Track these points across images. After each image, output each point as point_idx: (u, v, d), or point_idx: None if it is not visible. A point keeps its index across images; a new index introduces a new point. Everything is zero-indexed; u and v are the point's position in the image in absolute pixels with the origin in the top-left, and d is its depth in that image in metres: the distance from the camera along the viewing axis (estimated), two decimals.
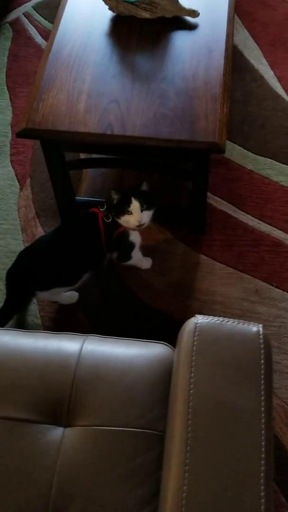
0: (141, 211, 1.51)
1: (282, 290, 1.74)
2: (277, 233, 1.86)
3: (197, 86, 1.53)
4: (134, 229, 1.58)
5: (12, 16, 2.56)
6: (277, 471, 1.30)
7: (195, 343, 0.93)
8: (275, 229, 1.87)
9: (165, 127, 1.45)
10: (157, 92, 1.53)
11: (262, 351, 0.91)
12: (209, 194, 1.95)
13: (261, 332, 0.94)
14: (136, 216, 1.50)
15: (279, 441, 1.48)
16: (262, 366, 0.90)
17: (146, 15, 1.68)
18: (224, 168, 2.02)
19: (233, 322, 0.96)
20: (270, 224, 1.88)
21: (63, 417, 1.04)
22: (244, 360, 0.91)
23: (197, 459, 0.82)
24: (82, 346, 1.13)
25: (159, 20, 1.69)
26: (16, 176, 2.05)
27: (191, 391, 0.88)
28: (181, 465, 0.82)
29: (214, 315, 1.60)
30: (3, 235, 1.91)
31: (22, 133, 1.48)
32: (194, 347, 0.93)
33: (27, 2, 2.61)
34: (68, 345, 1.15)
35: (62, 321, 1.73)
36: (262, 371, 0.90)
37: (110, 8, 1.70)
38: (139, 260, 1.74)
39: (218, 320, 0.97)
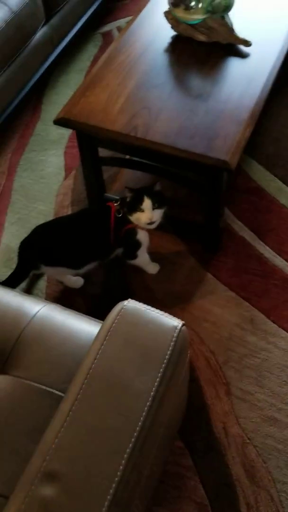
0: (153, 209, 1.59)
1: (277, 325, 1.72)
2: None
3: (227, 108, 1.59)
4: (144, 228, 1.66)
5: (106, 28, 2.80)
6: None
7: (115, 322, 0.99)
8: None
9: (185, 139, 1.53)
10: (188, 106, 1.61)
11: (172, 343, 0.95)
12: (233, 217, 1.99)
13: (178, 328, 0.98)
14: (147, 214, 1.58)
15: (228, 470, 1.46)
16: (167, 357, 0.94)
17: (202, 38, 1.78)
18: (257, 197, 2.04)
19: (158, 313, 1.01)
20: (286, 260, 1.86)
21: (0, 365, 1.14)
22: (152, 347, 0.95)
23: (74, 419, 0.88)
24: (40, 309, 1.23)
25: (213, 44, 1.78)
26: (65, 166, 2.23)
27: (94, 363, 0.94)
28: (60, 423, 0.88)
29: (202, 332, 1.65)
30: (37, 215, 2.07)
31: (58, 121, 1.63)
32: (113, 325, 0.99)
33: (122, 18, 2.83)
34: (29, 305, 1.25)
35: (62, 302, 1.83)
36: (165, 361, 0.93)
37: (172, 27, 1.82)
38: (145, 262, 1.81)
39: (145, 308, 1.02)
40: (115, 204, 1.64)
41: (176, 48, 1.80)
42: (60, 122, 1.62)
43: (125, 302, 1.02)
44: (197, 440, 1.52)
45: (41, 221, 2.02)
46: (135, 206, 1.59)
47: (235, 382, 1.61)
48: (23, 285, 1.85)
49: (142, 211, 1.58)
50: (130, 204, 1.61)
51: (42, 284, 1.88)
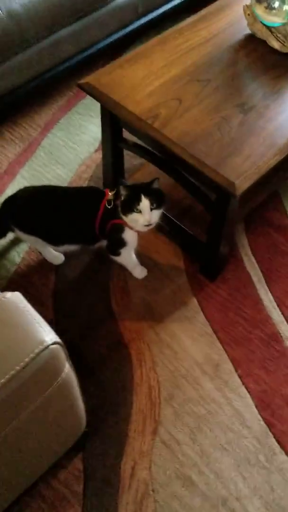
0: (151, 210, 1.41)
1: (242, 381, 1.50)
2: (284, 329, 1.60)
3: (266, 127, 1.38)
4: (137, 230, 1.49)
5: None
6: None
7: None
8: (285, 323, 1.61)
9: (202, 145, 1.33)
10: (224, 112, 1.41)
11: (27, 359, 0.79)
12: (248, 250, 1.77)
13: (44, 345, 0.82)
14: (145, 216, 1.41)
15: None
16: (12, 373, 0.78)
17: (276, 45, 1.56)
18: (282, 237, 1.80)
19: (36, 320, 0.85)
20: (284, 316, 1.63)
21: None
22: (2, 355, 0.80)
23: None
24: None
25: (286, 55, 1.56)
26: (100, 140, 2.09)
27: None
28: None
29: (159, 358, 1.47)
30: (52, 178, 1.96)
31: (82, 85, 1.49)
32: None
33: None
34: None
35: (32, 272, 1.72)
36: (6, 378, 0.77)
37: (247, 24, 1.61)
38: (129, 263, 1.65)
39: (26, 308, 0.87)
40: (110, 194, 1.48)
41: (242, 47, 1.59)
42: (84, 86, 1.48)
43: (8, 294, 0.88)
44: (99, 469, 1.36)
45: (53, 184, 1.92)
46: (131, 206, 1.41)
47: (168, 424, 1.43)
48: (4, 242, 1.76)
49: (139, 212, 1.41)
50: (125, 204, 1.42)
51: (23, 247, 1.77)
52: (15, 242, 1.78)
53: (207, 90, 1.47)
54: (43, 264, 1.74)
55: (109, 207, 1.46)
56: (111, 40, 2.23)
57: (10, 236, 1.71)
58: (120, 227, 1.49)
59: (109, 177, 1.80)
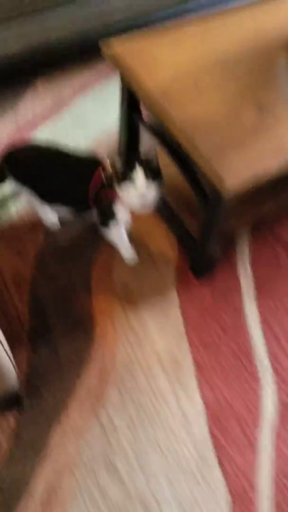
0: (146, 182, 1.34)
1: (197, 386, 1.44)
2: (258, 346, 1.52)
3: (276, 133, 1.29)
4: (131, 208, 1.44)
5: None
6: None
7: None
8: (262, 341, 1.53)
9: (205, 134, 1.27)
10: (240, 107, 1.34)
11: None
12: (247, 258, 1.70)
13: None
14: (139, 188, 1.34)
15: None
16: None
17: None
18: (286, 254, 1.71)
19: None
20: (263, 333, 1.54)
21: None
22: None
23: None
24: None
25: None
26: None
27: None
28: None
29: (121, 340, 1.47)
30: (70, 141, 1.92)
31: (105, 50, 1.45)
32: None
33: None
34: None
35: (24, 228, 1.71)
36: None
37: None
38: (119, 241, 1.61)
39: None
40: (108, 162, 1.43)
41: (285, 50, 1.50)
42: (108, 52, 1.44)
43: None
44: (29, 431, 1.34)
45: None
46: (125, 178, 1.35)
47: (110, 407, 1.39)
48: (5, 193, 1.75)
49: (133, 183, 1.35)
50: (119, 175, 1.37)
51: (23, 204, 1.76)
52: (16, 194, 1.77)
53: (230, 82, 1.39)
54: (37, 225, 1.72)
55: (103, 176, 1.42)
56: (166, 13, 2.16)
57: (12, 189, 1.70)
58: (111, 199, 1.44)
59: (122, 152, 1.75)
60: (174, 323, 1.55)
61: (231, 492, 1.28)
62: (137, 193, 1.36)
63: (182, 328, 1.54)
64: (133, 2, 2.04)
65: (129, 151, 1.74)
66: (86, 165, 1.48)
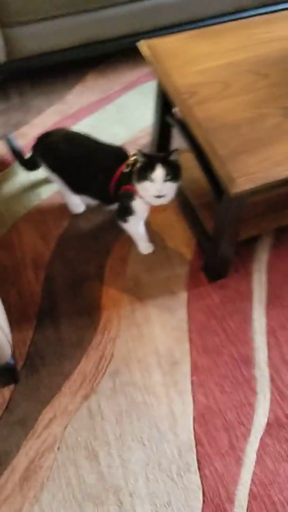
0: (164, 181, 1.36)
1: (191, 388, 1.42)
2: (260, 357, 1.48)
3: None
4: (150, 202, 1.46)
5: None
6: None
7: None
8: (265, 352, 1.49)
9: (225, 134, 1.26)
10: (265, 110, 1.31)
11: None
12: (264, 265, 1.65)
13: None
14: (157, 185, 1.36)
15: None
16: None
17: None
18: None
19: None
20: (267, 344, 1.50)
21: None
22: None
23: None
24: None
25: None
26: None
27: None
28: None
29: (124, 333, 1.50)
30: (111, 135, 1.97)
31: (143, 48, 1.47)
32: None
33: None
34: None
35: (50, 212, 1.77)
36: None
37: None
38: (136, 233, 1.62)
39: None
40: (132, 158, 1.46)
41: None
42: (141, 46, 1.46)
43: None
44: (21, 407, 1.39)
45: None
46: (145, 174, 1.37)
47: (101, 396, 1.41)
48: (38, 177, 1.82)
49: (152, 181, 1.38)
50: (139, 171, 1.39)
51: (53, 188, 1.82)
52: (48, 180, 1.83)
53: (259, 84, 1.37)
54: (63, 209, 1.77)
55: (126, 171, 1.45)
56: (221, 20, 2.15)
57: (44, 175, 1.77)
58: (131, 194, 1.47)
59: (152, 149, 1.77)
60: (178, 322, 1.54)
61: (206, 500, 1.26)
62: (154, 190, 1.37)
63: (185, 329, 1.53)
64: (188, 7, 2.04)
65: (160, 149, 1.75)
66: (112, 158, 1.51)
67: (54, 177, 1.63)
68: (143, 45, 1.47)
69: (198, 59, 1.42)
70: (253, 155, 1.22)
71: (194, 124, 1.28)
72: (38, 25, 1.88)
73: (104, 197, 1.57)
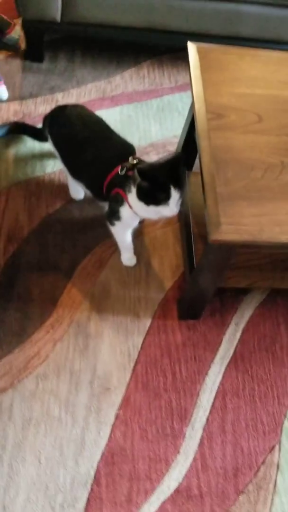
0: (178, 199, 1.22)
1: (112, 421, 1.30)
2: (199, 416, 1.34)
3: None
4: (138, 215, 1.33)
5: None
6: None
7: None
8: (206, 413, 1.35)
9: (232, 172, 1.11)
10: None
11: None
12: (241, 323, 1.51)
13: None
14: (172, 209, 1.22)
15: None
16: None
17: None
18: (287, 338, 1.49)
19: None
20: (212, 405, 1.36)
21: None
22: None
23: None
24: None
25: None
26: None
27: None
28: None
29: (69, 339, 1.41)
30: (142, 130, 1.84)
31: (188, 49, 1.33)
32: None
33: None
34: None
35: (47, 189, 1.67)
36: None
37: None
38: (121, 241, 1.50)
39: None
40: (132, 161, 1.31)
41: None
42: (189, 48, 1.32)
43: None
44: None
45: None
46: (158, 198, 1.21)
47: (18, 397, 1.30)
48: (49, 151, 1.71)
49: (167, 205, 1.22)
50: (148, 194, 1.22)
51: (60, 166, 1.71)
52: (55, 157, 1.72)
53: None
54: (62, 190, 1.66)
55: (121, 173, 1.31)
56: None
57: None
58: (121, 199, 1.34)
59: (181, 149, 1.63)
60: (129, 349, 1.42)
61: None
62: (169, 212, 1.24)
63: (134, 358, 1.41)
64: (267, 24, 1.87)
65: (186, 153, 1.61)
66: (115, 153, 1.38)
67: (56, 153, 1.51)
68: (192, 47, 1.33)
69: (243, 81, 1.27)
70: (254, 205, 1.07)
71: (204, 149, 1.14)
72: None
73: (97, 192, 1.44)
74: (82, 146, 1.40)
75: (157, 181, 1.21)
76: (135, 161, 1.30)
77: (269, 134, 1.19)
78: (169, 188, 1.19)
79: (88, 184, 1.46)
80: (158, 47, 2.02)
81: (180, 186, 1.20)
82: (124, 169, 1.30)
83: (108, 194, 1.38)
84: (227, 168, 1.12)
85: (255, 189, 1.10)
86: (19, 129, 1.72)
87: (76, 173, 1.48)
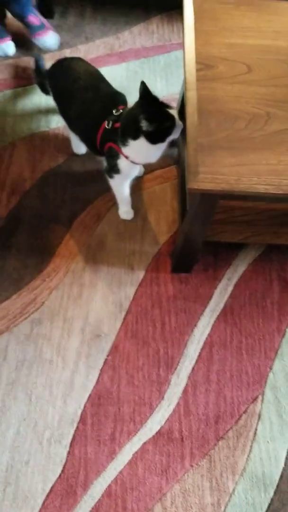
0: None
1: (101, 366, 1.36)
2: (185, 365, 1.38)
3: None
4: (135, 162, 1.35)
5: None
6: None
7: None
8: (192, 362, 1.39)
9: (215, 121, 1.11)
10: (274, 109, 1.15)
11: None
12: (233, 277, 1.52)
13: None
14: (179, 124, 1.23)
15: None
16: None
17: None
18: (280, 293, 1.50)
19: None
20: (198, 355, 1.40)
21: None
22: None
23: None
24: None
25: None
26: None
27: None
28: None
29: (64, 288, 1.46)
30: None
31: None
32: None
33: None
34: None
35: (50, 143, 1.70)
36: None
37: None
38: (119, 193, 1.52)
39: None
40: (116, 113, 1.31)
41: None
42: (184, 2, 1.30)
43: None
44: None
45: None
46: (166, 129, 1.23)
47: (13, 337, 1.38)
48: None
49: (175, 127, 1.24)
50: (157, 132, 1.23)
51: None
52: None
53: (285, 80, 1.19)
54: (65, 145, 1.69)
55: (108, 127, 1.33)
56: None
57: None
58: (116, 153, 1.36)
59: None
60: (121, 299, 1.46)
61: (63, 475, 1.23)
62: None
63: (125, 308, 1.45)
64: None
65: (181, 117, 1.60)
66: (103, 106, 1.37)
67: (56, 106, 1.53)
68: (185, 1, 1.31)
69: (235, 31, 1.26)
70: (234, 155, 1.07)
71: (190, 100, 1.14)
72: None
73: (92, 146, 1.46)
74: (75, 98, 1.41)
75: (163, 115, 1.22)
76: (118, 113, 1.31)
77: (257, 85, 1.18)
78: (170, 114, 1.22)
79: (82, 138, 1.48)
80: (168, 2, 1.98)
81: (168, 105, 1.23)
82: (110, 123, 1.31)
83: (103, 149, 1.40)
84: (210, 118, 1.12)
85: (237, 140, 1.10)
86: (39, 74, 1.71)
87: (71, 126, 1.50)
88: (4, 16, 1.94)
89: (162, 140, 1.25)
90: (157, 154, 1.32)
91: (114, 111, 1.32)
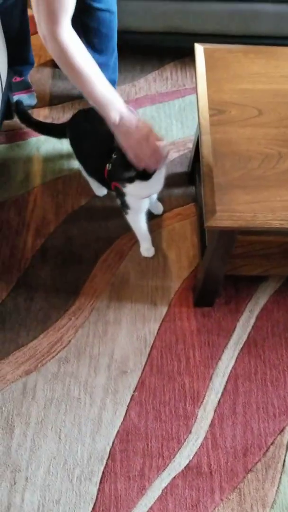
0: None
1: (128, 402, 1.39)
2: (211, 398, 1.40)
3: None
4: (140, 197, 1.42)
5: None
6: None
7: None
8: (218, 395, 1.41)
9: (230, 163, 1.17)
10: (286, 149, 1.20)
11: None
12: (255, 310, 1.55)
13: None
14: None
15: None
16: None
17: None
18: None
19: None
20: (224, 388, 1.42)
21: None
22: None
23: None
24: None
25: None
26: None
27: None
28: None
29: (89, 326, 1.51)
30: (163, 130, 1.92)
31: (196, 46, 1.40)
32: None
33: None
34: None
35: (72, 185, 1.78)
36: None
37: None
38: (136, 229, 1.57)
39: None
40: (114, 155, 1.35)
41: None
42: (195, 49, 1.39)
43: None
44: None
45: None
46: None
47: (41, 377, 1.42)
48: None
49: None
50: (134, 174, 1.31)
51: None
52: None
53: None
54: (85, 188, 1.77)
55: (108, 169, 1.39)
56: None
57: None
58: (121, 192, 1.42)
59: (188, 160, 1.70)
60: (146, 334, 1.50)
61: None
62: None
63: (150, 343, 1.49)
64: (284, 24, 1.91)
65: (194, 161, 1.67)
66: (107, 149, 1.43)
67: (72, 151, 1.61)
68: (198, 48, 1.40)
69: (245, 77, 1.33)
70: (249, 193, 1.13)
71: (204, 143, 1.21)
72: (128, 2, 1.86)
73: (108, 187, 1.52)
74: (87, 143, 1.49)
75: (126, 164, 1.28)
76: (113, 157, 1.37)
77: (268, 127, 1.24)
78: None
79: (98, 180, 1.56)
80: (181, 49, 2.09)
81: None
82: (110, 165, 1.38)
83: (110, 186, 1.47)
84: (225, 159, 1.18)
85: (251, 178, 1.15)
86: (42, 129, 1.80)
87: (86, 170, 1.58)
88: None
89: (153, 173, 1.31)
90: (157, 184, 1.38)
91: (113, 154, 1.38)
